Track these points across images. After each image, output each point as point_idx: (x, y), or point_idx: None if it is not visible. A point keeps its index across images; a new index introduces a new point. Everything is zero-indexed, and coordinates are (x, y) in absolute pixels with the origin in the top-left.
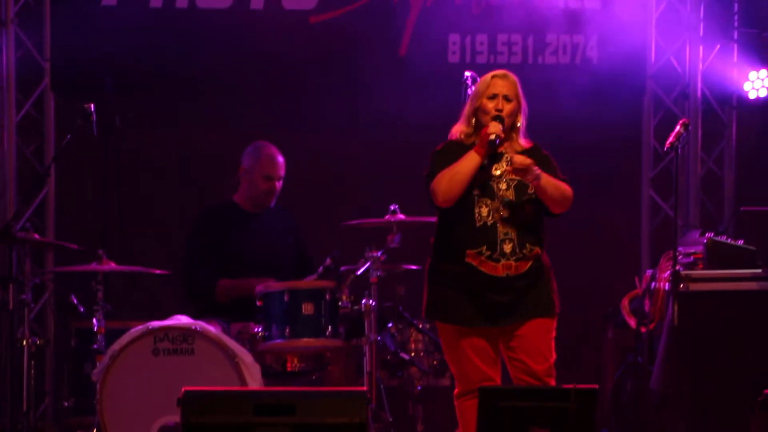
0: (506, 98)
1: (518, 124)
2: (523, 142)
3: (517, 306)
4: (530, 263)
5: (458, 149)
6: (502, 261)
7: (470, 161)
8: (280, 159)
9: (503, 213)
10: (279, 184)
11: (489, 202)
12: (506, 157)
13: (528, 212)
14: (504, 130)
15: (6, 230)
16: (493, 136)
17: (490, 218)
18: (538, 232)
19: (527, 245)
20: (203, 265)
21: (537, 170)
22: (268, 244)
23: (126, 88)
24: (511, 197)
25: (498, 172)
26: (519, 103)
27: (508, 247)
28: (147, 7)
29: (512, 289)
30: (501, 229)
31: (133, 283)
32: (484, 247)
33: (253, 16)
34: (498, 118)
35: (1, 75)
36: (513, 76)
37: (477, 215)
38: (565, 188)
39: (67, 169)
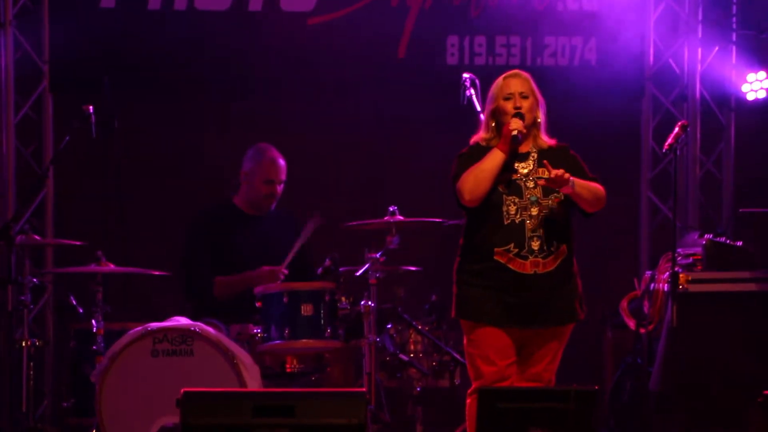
0: (522, 95)
1: (539, 120)
2: (546, 139)
3: (543, 308)
4: (558, 262)
5: (482, 151)
6: (530, 258)
7: (494, 159)
8: (282, 162)
9: (531, 211)
10: (280, 188)
11: (517, 200)
12: (532, 155)
13: (555, 210)
14: (525, 127)
15: (5, 231)
16: (515, 132)
17: (518, 216)
18: (566, 229)
19: (554, 242)
20: (201, 264)
21: (571, 179)
22: (267, 248)
23: (125, 89)
24: (538, 195)
25: (525, 171)
26: (535, 98)
27: (536, 244)
28: (145, 9)
29: (540, 288)
30: (529, 227)
31: (132, 284)
32: (512, 245)
33: (252, 18)
34: (518, 115)
35: None
36: (525, 74)
37: (505, 213)
38: (598, 188)
39: (65, 170)
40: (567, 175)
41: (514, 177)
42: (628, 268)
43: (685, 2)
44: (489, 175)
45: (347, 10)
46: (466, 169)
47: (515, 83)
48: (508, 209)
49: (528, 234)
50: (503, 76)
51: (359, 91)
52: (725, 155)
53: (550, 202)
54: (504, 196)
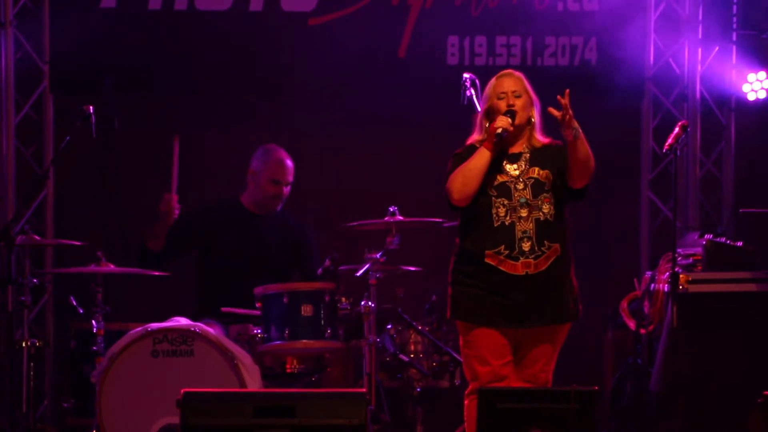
0: (515, 94)
1: (533, 120)
2: (540, 137)
3: (538, 308)
4: (550, 261)
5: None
6: (521, 259)
7: (480, 158)
8: (289, 163)
9: (521, 212)
10: (287, 189)
11: (506, 202)
12: (525, 156)
13: (545, 210)
14: (518, 126)
15: (5, 232)
16: (499, 130)
17: (507, 218)
18: (558, 229)
19: (545, 242)
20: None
21: (576, 128)
22: (265, 247)
23: (125, 89)
24: (528, 196)
25: (516, 173)
26: (529, 97)
27: (526, 246)
28: (146, 9)
29: (533, 288)
30: (519, 228)
31: (132, 284)
32: (503, 247)
33: (253, 18)
34: (510, 113)
35: (0, 77)
36: (518, 73)
37: (494, 216)
38: (590, 153)
39: (66, 170)
40: (574, 125)
41: (504, 179)
42: (629, 269)
43: (686, 2)
44: (477, 173)
45: (348, 10)
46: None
47: (508, 82)
48: (498, 211)
49: (518, 235)
50: (496, 75)
51: (359, 91)
52: (725, 155)
53: (540, 202)
54: (493, 198)
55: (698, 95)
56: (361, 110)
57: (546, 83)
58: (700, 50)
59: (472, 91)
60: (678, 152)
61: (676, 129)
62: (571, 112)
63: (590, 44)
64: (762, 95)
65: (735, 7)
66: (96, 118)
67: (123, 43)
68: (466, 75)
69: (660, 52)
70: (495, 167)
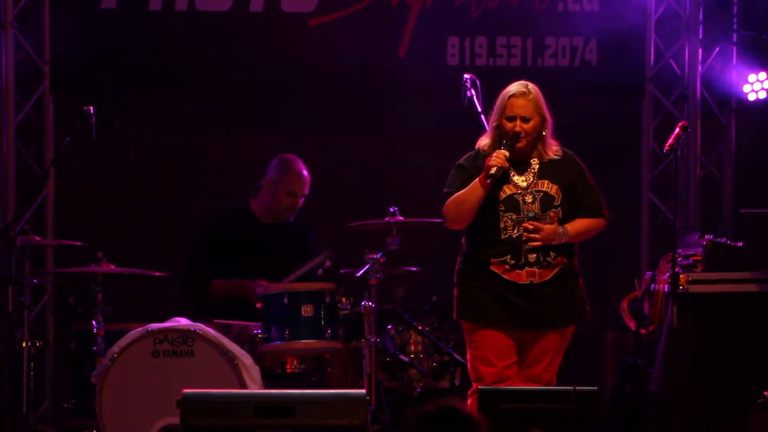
0: (524, 119)
1: (543, 133)
2: (551, 151)
3: (543, 315)
4: (555, 271)
5: (479, 163)
6: (526, 269)
7: (474, 192)
8: (307, 175)
9: (529, 226)
10: (302, 201)
11: (514, 216)
12: (533, 168)
13: (553, 224)
14: (521, 147)
15: (5, 232)
16: (493, 170)
17: (515, 231)
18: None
19: (551, 254)
20: (204, 265)
21: (560, 230)
22: (271, 257)
23: (125, 89)
24: (536, 210)
25: (524, 184)
26: (541, 117)
27: (532, 257)
28: (146, 10)
29: (537, 295)
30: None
31: (132, 285)
32: (509, 257)
33: (253, 18)
34: (510, 144)
35: (0, 77)
36: (532, 91)
37: (502, 229)
38: (593, 225)
39: (66, 171)
40: (554, 229)
41: (512, 191)
42: (629, 269)
43: (686, 3)
44: (469, 207)
45: (348, 11)
46: (456, 188)
47: (520, 105)
48: (506, 225)
49: (525, 248)
50: (510, 93)
51: (359, 91)
52: (726, 156)
53: (548, 218)
54: (501, 212)
55: (699, 96)
56: (361, 110)
57: (546, 84)
58: (700, 51)
59: (473, 92)
60: (678, 152)
61: (677, 129)
62: (542, 234)
63: (590, 45)
64: (762, 96)
65: (735, 8)
66: (96, 119)
67: (123, 44)
68: (466, 76)
69: (660, 53)
70: (502, 179)
